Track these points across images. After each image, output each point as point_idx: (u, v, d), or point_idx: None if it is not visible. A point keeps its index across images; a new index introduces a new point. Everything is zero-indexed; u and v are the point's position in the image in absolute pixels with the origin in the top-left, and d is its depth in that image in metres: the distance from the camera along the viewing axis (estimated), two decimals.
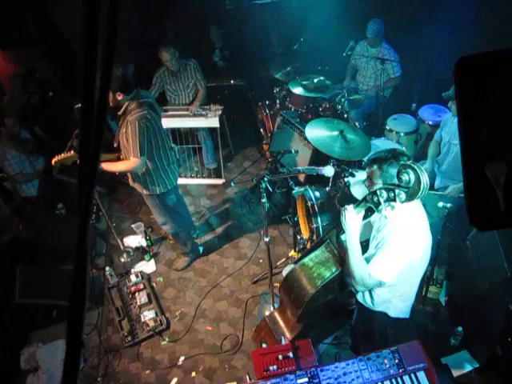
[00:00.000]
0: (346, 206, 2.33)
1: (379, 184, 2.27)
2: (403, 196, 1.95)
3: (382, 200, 2.05)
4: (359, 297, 2.71)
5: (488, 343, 3.13)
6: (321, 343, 3.54)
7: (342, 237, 2.59)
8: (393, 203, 2.03)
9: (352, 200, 2.28)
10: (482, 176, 0.64)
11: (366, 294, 2.64)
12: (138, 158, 3.43)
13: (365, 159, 3.89)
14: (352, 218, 2.30)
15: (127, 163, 3.53)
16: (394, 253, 2.29)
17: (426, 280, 3.66)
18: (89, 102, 0.53)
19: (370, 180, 2.37)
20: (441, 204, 3.25)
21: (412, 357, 2.26)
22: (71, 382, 0.57)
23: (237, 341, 3.87)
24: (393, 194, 2.00)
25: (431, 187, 4.02)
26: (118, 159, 3.64)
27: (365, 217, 2.42)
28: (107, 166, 3.60)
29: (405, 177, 1.95)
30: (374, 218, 2.58)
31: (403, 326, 2.68)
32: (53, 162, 3.60)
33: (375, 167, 2.30)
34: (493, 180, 0.62)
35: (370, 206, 2.17)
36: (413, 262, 2.31)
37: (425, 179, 1.88)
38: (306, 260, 2.77)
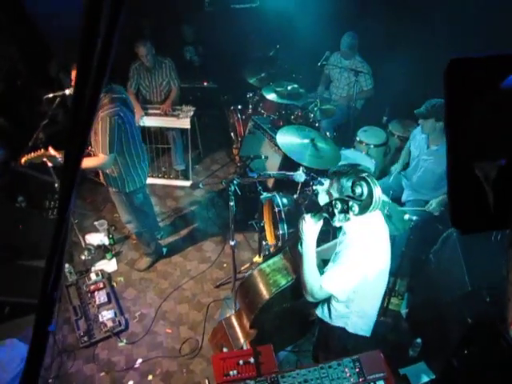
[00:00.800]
0: (304, 215, 2.33)
1: (336, 195, 2.29)
2: (356, 208, 1.96)
3: (336, 211, 2.06)
4: (318, 311, 2.72)
5: (445, 355, 3.18)
6: (281, 350, 3.53)
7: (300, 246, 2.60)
8: (348, 215, 2.05)
9: (319, 208, 2.29)
10: (467, 178, 0.64)
11: (325, 307, 2.65)
12: (106, 154, 3.37)
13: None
14: (309, 227, 2.29)
15: (96, 159, 3.45)
16: (347, 266, 2.29)
17: (388, 292, 3.71)
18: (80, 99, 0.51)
19: (328, 191, 2.39)
20: (407, 217, 3.30)
21: (372, 366, 2.27)
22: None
23: (196, 345, 3.81)
24: (346, 206, 2.01)
25: (398, 200, 4.10)
26: (89, 155, 3.56)
27: (323, 228, 2.42)
28: None
29: (358, 189, 1.96)
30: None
31: (363, 339, 2.69)
32: (22, 161, 3.46)
33: (334, 179, 2.33)
34: (483, 179, 0.62)
35: (326, 217, 2.18)
36: (367, 278, 2.31)
37: (377, 193, 1.89)
38: (263, 266, 2.76)
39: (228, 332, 3.03)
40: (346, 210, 2.01)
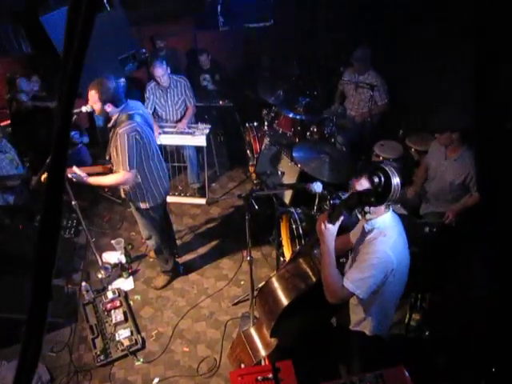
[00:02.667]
0: (321, 216, 2.31)
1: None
2: (373, 199, 1.94)
3: (353, 204, 2.05)
4: (338, 316, 2.68)
5: (472, 374, 3.07)
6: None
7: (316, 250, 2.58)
8: (366, 208, 2.03)
9: (335, 207, 2.29)
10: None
11: (344, 314, 2.61)
12: (127, 170, 3.40)
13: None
14: (327, 228, 2.28)
15: (117, 176, 3.49)
16: (369, 265, 2.27)
17: (409, 307, 3.62)
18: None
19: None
20: (427, 229, 3.24)
21: (396, 382, 2.19)
22: None
23: (214, 363, 3.74)
24: (364, 198, 1.98)
25: (416, 213, 4.03)
26: (110, 171, 3.60)
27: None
28: (96, 180, 3.59)
29: (375, 179, 1.94)
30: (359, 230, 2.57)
31: (382, 349, 2.63)
32: (42, 178, 3.52)
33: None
34: None
35: (344, 212, 2.16)
36: (390, 278, 2.31)
37: (395, 180, 1.86)
38: (282, 271, 2.71)
39: (248, 344, 2.95)
40: (364, 202, 1.99)
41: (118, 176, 3.48)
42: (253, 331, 3.02)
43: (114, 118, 3.41)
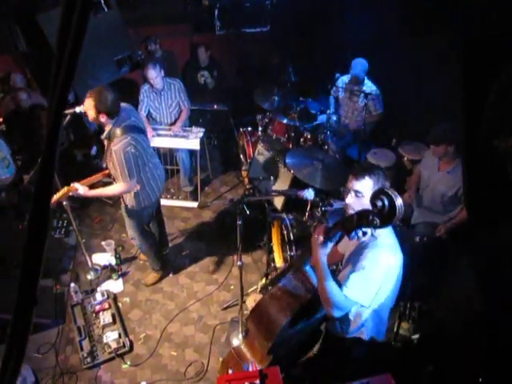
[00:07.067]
0: (317, 228, 2.29)
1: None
2: (377, 222, 1.93)
3: (351, 226, 2.03)
4: (333, 327, 2.66)
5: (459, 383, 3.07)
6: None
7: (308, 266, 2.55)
8: (366, 229, 2.02)
9: (334, 226, 2.26)
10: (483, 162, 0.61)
11: (337, 323, 2.59)
12: (126, 182, 3.48)
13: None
14: (323, 246, 2.25)
15: (118, 187, 3.58)
16: (368, 270, 2.26)
17: (398, 316, 3.63)
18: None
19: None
20: (417, 239, 3.26)
21: None
22: None
23: (202, 368, 3.72)
24: (366, 220, 1.97)
25: (407, 222, 4.05)
26: (109, 176, 3.68)
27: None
28: (98, 193, 3.69)
29: (378, 203, 1.93)
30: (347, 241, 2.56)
31: (372, 357, 2.63)
32: (53, 201, 3.52)
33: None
34: (505, 152, 0.60)
35: (343, 232, 2.14)
36: (389, 280, 2.31)
37: (399, 201, 1.85)
38: (274, 290, 2.69)
39: (241, 361, 2.93)
40: (366, 224, 1.98)
41: (119, 187, 3.56)
42: (244, 348, 2.98)
43: (107, 130, 3.42)
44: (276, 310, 2.59)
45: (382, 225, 1.93)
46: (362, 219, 1.99)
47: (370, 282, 2.27)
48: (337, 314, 2.34)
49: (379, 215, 1.92)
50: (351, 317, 2.51)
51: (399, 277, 2.41)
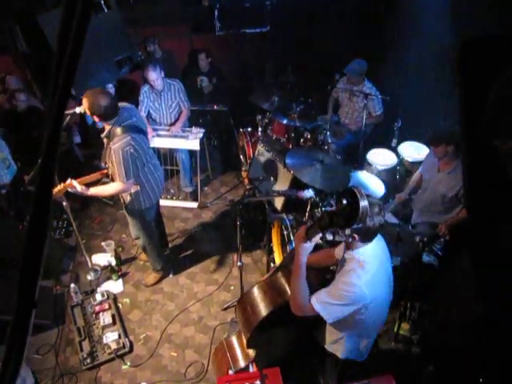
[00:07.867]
0: (302, 227, 2.27)
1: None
2: (341, 221, 1.90)
3: (323, 224, 2.02)
4: (317, 335, 2.66)
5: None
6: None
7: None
8: (336, 229, 2.01)
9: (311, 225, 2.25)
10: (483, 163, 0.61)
11: (321, 332, 2.58)
12: (124, 182, 3.50)
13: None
14: (302, 243, 2.25)
15: (115, 186, 3.59)
16: (339, 295, 2.20)
17: (398, 316, 3.63)
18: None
19: None
20: (417, 239, 3.25)
21: None
22: None
23: (202, 369, 3.72)
24: (330, 219, 1.95)
25: (408, 222, 4.05)
26: (107, 176, 3.71)
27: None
28: (96, 191, 3.67)
29: (343, 201, 1.89)
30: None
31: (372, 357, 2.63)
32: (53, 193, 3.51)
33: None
34: (506, 153, 0.60)
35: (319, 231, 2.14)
36: (362, 311, 2.24)
37: (363, 204, 1.79)
38: (262, 283, 2.70)
39: (228, 352, 2.94)
40: (331, 223, 1.96)
41: (117, 186, 3.57)
42: (234, 340, 3.00)
43: (107, 129, 3.45)
44: (259, 303, 2.59)
45: (345, 224, 1.91)
46: (331, 218, 1.96)
47: (337, 303, 2.21)
48: (297, 312, 2.34)
49: (342, 215, 1.89)
50: (328, 326, 2.49)
51: (381, 307, 2.37)
